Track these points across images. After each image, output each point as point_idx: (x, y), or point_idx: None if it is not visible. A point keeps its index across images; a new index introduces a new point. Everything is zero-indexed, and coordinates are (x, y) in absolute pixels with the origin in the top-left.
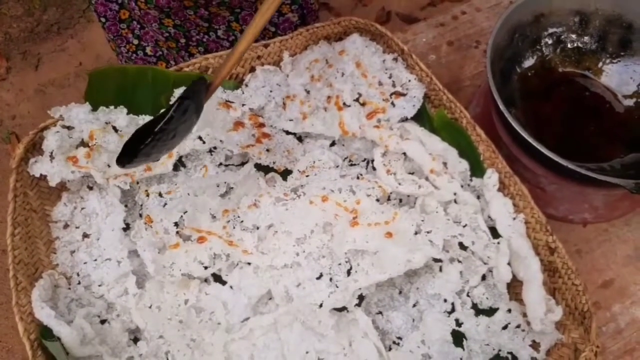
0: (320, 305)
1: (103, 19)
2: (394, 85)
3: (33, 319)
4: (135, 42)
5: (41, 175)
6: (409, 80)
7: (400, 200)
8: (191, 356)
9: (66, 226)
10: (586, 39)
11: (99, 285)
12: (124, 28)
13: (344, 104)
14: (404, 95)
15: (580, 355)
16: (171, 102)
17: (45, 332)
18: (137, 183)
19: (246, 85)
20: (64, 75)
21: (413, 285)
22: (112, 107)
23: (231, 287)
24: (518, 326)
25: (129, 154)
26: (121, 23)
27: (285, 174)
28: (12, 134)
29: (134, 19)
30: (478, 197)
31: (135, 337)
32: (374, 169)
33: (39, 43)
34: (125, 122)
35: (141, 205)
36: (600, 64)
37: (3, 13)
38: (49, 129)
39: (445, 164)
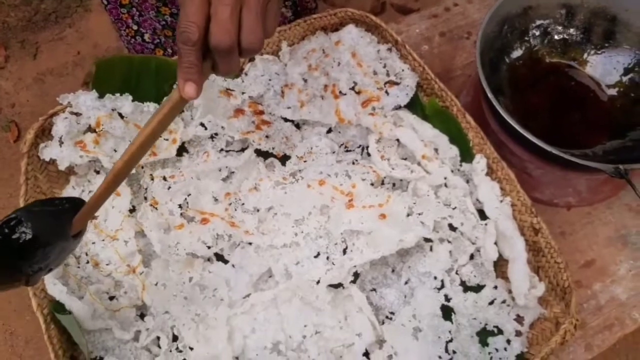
0: (318, 282)
1: (105, 1)
2: (388, 75)
3: (45, 295)
4: (135, 27)
5: (51, 159)
6: (403, 70)
7: (394, 184)
8: (196, 330)
9: None
10: (572, 30)
11: (107, 264)
12: (124, 13)
13: (340, 92)
14: (397, 84)
15: (560, 328)
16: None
17: (57, 307)
18: (142, 167)
19: (246, 74)
20: (62, 64)
21: (405, 264)
22: (118, 95)
23: (233, 265)
24: (503, 301)
25: None
26: (122, 7)
27: (284, 159)
28: (12, 122)
29: (133, 6)
30: (467, 181)
31: (142, 313)
32: (369, 154)
33: (37, 32)
34: (131, 109)
35: (146, 188)
36: (585, 55)
37: (1, 2)
38: (57, 115)
39: (436, 149)
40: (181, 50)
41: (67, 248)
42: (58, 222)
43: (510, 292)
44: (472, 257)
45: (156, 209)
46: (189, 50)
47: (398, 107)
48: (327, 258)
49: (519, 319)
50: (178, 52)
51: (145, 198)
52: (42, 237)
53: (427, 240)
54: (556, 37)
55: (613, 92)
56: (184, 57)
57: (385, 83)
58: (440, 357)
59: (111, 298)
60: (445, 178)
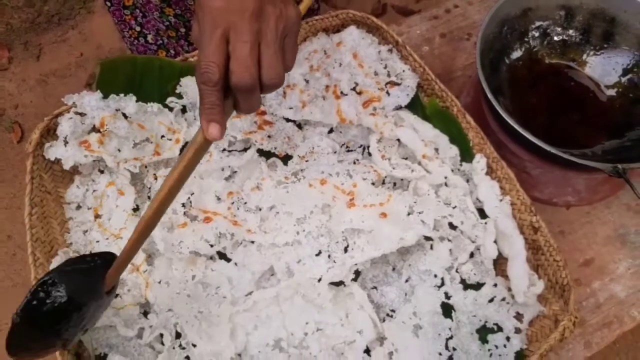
0: (319, 280)
1: (108, 3)
2: (389, 75)
3: None
4: (138, 29)
5: (55, 159)
6: (403, 71)
7: (394, 184)
8: (199, 327)
9: (78, 207)
10: (571, 32)
11: None
12: (128, 14)
13: (342, 93)
14: (398, 84)
15: (559, 325)
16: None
17: None
18: (146, 167)
19: None
20: (65, 66)
21: (406, 262)
22: (121, 95)
23: (236, 263)
24: (503, 299)
25: (18, 343)
26: (125, 9)
27: (285, 159)
28: (15, 123)
29: (137, 7)
30: (467, 181)
31: (145, 311)
32: (370, 154)
33: (40, 34)
34: (134, 109)
35: (149, 187)
36: (584, 56)
37: (4, 4)
38: (62, 115)
39: (436, 149)
40: (202, 91)
41: (102, 305)
42: (91, 279)
43: (509, 289)
44: (472, 255)
45: None
46: (211, 91)
47: (399, 108)
48: (329, 256)
49: (519, 317)
50: (199, 93)
51: (149, 197)
52: (77, 297)
53: (428, 238)
54: (555, 38)
55: (612, 92)
56: (206, 97)
57: (386, 84)
58: (440, 354)
59: (115, 296)
60: (445, 177)
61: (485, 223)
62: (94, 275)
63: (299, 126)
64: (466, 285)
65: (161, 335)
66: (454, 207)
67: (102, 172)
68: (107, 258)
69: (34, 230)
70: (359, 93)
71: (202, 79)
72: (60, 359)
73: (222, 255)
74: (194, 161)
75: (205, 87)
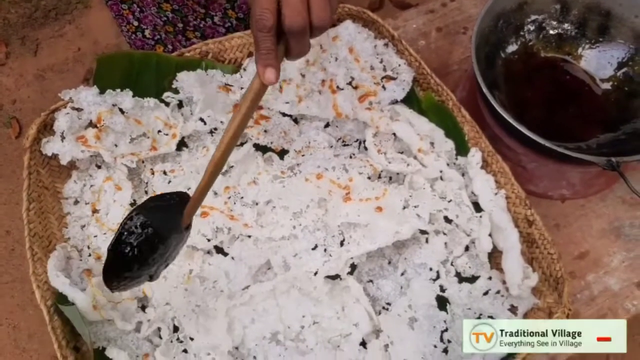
0: (316, 274)
1: None
2: (384, 70)
3: (49, 287)
4: (135, 23)
5: (53, 154)
6: (399, 65)
7: (390, 178)
8: (196, 321)
9: (76, 202)
10: (567, 25)
11: None
12: (125, 9)
13: (338, 87)
14: (394, 79)
15: (553, 317)
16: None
17: (60, 299)
18: (143, 162)
19: (244, 70)
20: (62, 61)
21: (401, 256)
22: (118, 90)
23: (232, 257)
24: (498, 292)
25: (113, 275)
26: (122, 3)
27: (282, 153)
28: (13, 119)
29: (134, 2)
30: (462, 174)
31: (143, 305)
32: (366, 148)
33: (38, 28)
34: (131, 104)
35: (146, 182)
36: (579, 50)
37: None
38: (59, 110)
39: (432, 143)
40: (258, 37)
41: (181, 241)
42: (171, 215)
43: (504, 282)
44: (467, 248)
45: None
46: (266, 37)
47: (394, 102)
48: (325, 250)
49: (513, 309)
50: (255, 41)
51: (146, 192)
52: (161, 231)
53: (423, 232)
54: (551, 31)
55: (607, 86)
56: (262, 43)
57: (382, 78)
58: (435, 346)
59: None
60: (440, 171)
61: (480, 216)
62: (173, 211)
63: (295, 121)
64: (461, 278)
65: (159, 329)
66: (449, 201)
67: (99, 167)
68: (183, 197)
69: (31, 225)
70: (355, 87)
71: (257, 26)
72: (59, 352)
73: (219, 250)
74: (253, 105)
75: (260, 33)
